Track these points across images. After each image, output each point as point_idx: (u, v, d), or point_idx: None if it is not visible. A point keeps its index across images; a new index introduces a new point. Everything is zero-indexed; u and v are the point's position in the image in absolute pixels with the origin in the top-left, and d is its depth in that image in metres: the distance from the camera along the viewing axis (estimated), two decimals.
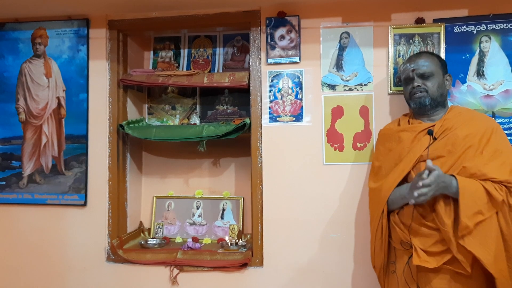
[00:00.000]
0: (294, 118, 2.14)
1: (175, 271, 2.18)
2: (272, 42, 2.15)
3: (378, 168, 1.81)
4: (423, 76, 1.72)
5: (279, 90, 2.15)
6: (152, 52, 2.57)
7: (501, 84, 1.97)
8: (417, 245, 1.59)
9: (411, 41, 2.05)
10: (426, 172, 1.49)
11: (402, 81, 1.83)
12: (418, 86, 1.71)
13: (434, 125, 1.69)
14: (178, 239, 2.43)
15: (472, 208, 1.48)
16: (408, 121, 1.80)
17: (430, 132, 1.66)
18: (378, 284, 1.88)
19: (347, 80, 2.10)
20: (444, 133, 1.65)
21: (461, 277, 1.55)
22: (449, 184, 1.50)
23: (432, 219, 1.56)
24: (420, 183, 1.47)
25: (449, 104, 1.87)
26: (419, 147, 1.65)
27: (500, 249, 1.50)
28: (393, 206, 1.69)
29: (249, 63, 2.23)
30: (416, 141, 1.68)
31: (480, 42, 2.00)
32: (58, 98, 2.34)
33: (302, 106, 2.13)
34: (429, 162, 1.49)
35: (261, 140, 2.16)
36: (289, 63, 2.14)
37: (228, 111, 2.49)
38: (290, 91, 2.14)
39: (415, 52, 2.02)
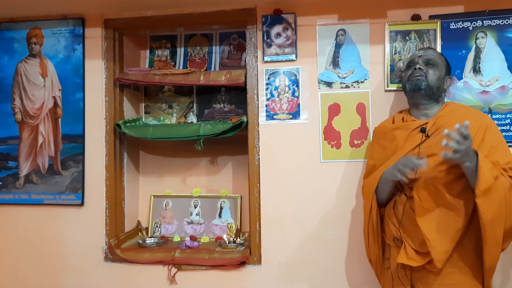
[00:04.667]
0: (291, 116, 2.14)
1: (173, 270, 2.17)
2: (268, 40, 2.14)
3: (372, 166, 1.81)
4: (427, 63, 1.73)
5: (276, 88, 2.15)
6: (148, 51, 2.56)
7: (497, 80, 1.97)
8: (407, 242, 1.60)
9: (407, 37, 2.05)
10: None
11: (405, 66, 1.83)
12: (420, 69, 1.71)
13: (427, 123, 1.69)
14: (176, 238, 2.43)
15: (490, 170, 1.45)
16: (403, 119, 1.80)
17: (423, 130, 1.66)
18: (374, 280, 1.88)
19: (344, 77, 2.10)
20: (438, 130, 1.64)
21: (454, 275, 1.55)
22: (475, 156, 1.46)
23: None
24: (456, 126, 1.40)
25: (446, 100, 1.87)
26: (411, 144, 1.66)
27: (501, 215, 1.48)
28: (382, 192, 1.70)
29: (245, 61, 2.23)
30: (410, 139, 1.68)
31: (476, 38, 2.00)
32: (54, 97, 2.33)
33: (299, 104, 2.13)
34: (461, 125, 1.41)
35: (258, 138, 2.16)
36: (286, 60, 2.14)
37: (225, 109, 2.48)
38: (286, 88, 2.14)
39: (411, 49, 2.03)
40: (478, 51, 2.00)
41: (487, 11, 1.99)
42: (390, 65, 2.05)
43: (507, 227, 1.51)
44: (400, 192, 1.70)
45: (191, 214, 2.48)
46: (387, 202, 1.76)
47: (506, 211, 1.49)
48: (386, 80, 2.06)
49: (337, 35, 2.11)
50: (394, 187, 1.69)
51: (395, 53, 2.06)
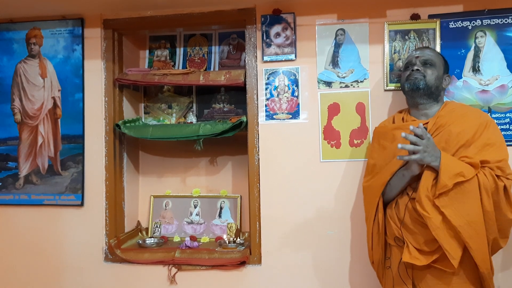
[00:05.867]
0: (291, 116, 2.14)
1: (173, 270, 2.17)
2: (267, 40, 2.14)
3: (372, 166, 1.81)
4: (425, 63, 1.73)
5: (275, 88, 2.15)
6: (147, 51, 2.57)
7: (496, 79, 1.97)
8: (409, 241, 1.60)
9: (406, 37, 2.05)
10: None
11: (403, 67, 1.83)
12: (418, 70, 1.71)
13: (427, 122, 1.69)
14: (176, 238, 2.43)
15: (454, 169, 1.47)
16: (403, 119, 1.80)
17: None
18: (375, 280, 1.88)
19: (343, 77, 2.10)
20: (438, 130, 1.64)
21: (455, 274, 1.55)
22: (438, 154, 1.50)
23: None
24: (411, 127, 1.48)
25: (445, 99, 1.87)
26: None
27: (478, 218, 1.47)
28: (391, 193, 1.69)
29: (245, 61, 2.23)
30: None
31: (476, 38, 2.00)
32: (53, 98, 2.33)
33: (298, 104, 2.13)
34: (420, 124, 1.51)
35: (258, 138, 2.16)
36: (285, 60, 2.14)
37: (225, 109, 2.48)
38: (286, 88, 2.14)
39: (410, 49, 2.03)
40: (477, 50, 2.00)
41: (486, 10, 1.99)
42: (390, 65, 2.05)
43: (492, 231, 1.51)
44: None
45: (191, 214, 2.48)
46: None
47: (486, 215, 1.48)
48: (385, 80, 2.06)
49: (336, 35, 2.11)
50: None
51: (394, 53, 2.06)
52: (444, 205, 1.47)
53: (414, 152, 1.50)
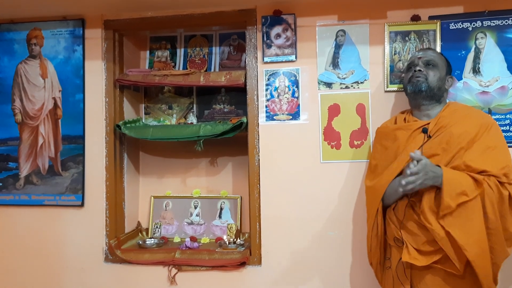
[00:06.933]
0: (291, 117, 2.14)
1: (174, 270, 2.17)
2: (268, 41, 2.14)
3: (374, 167, 1.81)
4: (427, 64, 1.73)
5: (276, 89, 2.15)
6: (148, 52, 2.57)
7: (497, 81, 1.98)
8: (409, 242, 1.60)
9: (407, 38, 2.05)
10: (415, 162, 1.52)
11: (405, 68, 1.84)
12: (420, 70, 1.72)
13: (429, 123, 1.69)
14: (176, 239, 2.43)
15: (456, 188, 1.48)
16: (405, 119, 1.80)
17: (425, 130, 1.65)
18: (375, 281, 1.88)
19: (344, 78, 2.10)
20: (439, 131, 1.64)
21: (454, 275, 1.55)
22: (439, 174, 1.51)
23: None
24: (408, 171, 1.50)
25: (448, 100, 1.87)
26: (414, 145, 1.65)
27: (482, 235, 1.48)
28: (388, 200, 1.70)
29: (245, 62, 2.23)
30: (411, 140, 1.67)
31: (476, 39, 2.00)
32: (54, 98, 2.33)
33: (298, 105, 2.14)
34: (416, 153, 1.52)
35: (258, 139, 2.16)
36: (286, 61, 2.14)
37: (225, 110, 2.49)
38: (286, 89, 2.14)
39: (411, 50, 2.03)
40: (477, 52, 2.00)
41: (486, 11, 1.99)
42: (390, 66, 2.06)
43: (500, 242, 1.51)
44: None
45: (191, 215, 2.48)
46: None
47: (492, 228, 1.49)
48: (385, 81, 2.06)
49: (337, 36, 2.11)
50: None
51: (394, 54, 2.06)
52: (449, 224, 1.48)
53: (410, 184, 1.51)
